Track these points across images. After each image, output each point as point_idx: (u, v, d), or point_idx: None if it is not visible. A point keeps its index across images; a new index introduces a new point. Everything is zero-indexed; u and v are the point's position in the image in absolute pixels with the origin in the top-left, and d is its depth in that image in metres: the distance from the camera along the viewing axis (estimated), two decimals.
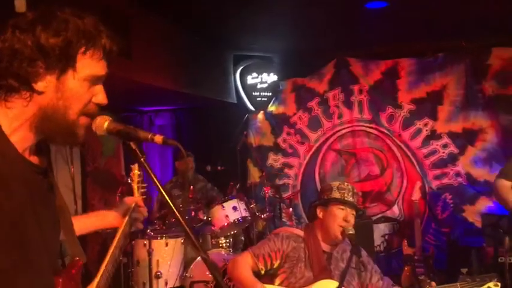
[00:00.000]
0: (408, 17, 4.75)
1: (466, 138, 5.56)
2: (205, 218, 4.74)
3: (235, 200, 4.74)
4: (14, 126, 1.13)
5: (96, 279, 1.82)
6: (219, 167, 5.45)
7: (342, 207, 2.69)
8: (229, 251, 4.78)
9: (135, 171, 2.28)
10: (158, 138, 1.32)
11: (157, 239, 4.42)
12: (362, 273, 2.70)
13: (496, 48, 5.41)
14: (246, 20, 4.88)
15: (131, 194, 2.29)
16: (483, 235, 3.87)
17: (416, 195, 5.35)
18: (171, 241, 4.46)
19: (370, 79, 5.92)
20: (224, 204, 4.70)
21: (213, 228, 4.75)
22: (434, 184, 5.69)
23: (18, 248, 1.09)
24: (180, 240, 4.54)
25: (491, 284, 2.51)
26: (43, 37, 1.07)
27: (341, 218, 2.66)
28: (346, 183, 2.80)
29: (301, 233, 2.77)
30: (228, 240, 4.91)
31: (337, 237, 2.68)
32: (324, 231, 2.72)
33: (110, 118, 1.37)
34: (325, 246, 2.73)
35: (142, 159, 1.35)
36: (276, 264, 2.69)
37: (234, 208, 4.70)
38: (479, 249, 4.81)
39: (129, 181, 2.26)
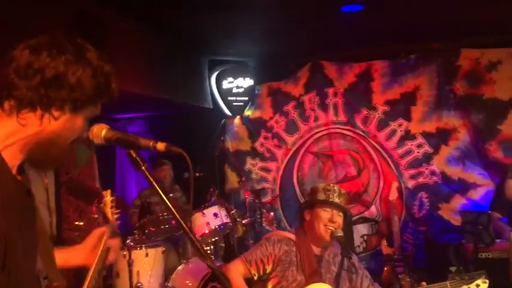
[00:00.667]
0: (382, 19, 4.83)
1: (439, 138, 5.68)
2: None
3: (216, 206, 4.68)
4: (8, 142, 1.10)
5: None
6: (197, 174, 5.39)
7: (327, 208, 2.69)
8: (211, 258, 4.72)
9: (108, 197, 2.23)
10: (160, 146, 1.28)
11: (137, 249, 4.32)
12: (353, 276, 2.71)
13: (465, 50, 5.56)
14: (221, 24, 4.86)
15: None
16: (463, 232, 3.96)
17: (393, 195, 5.44)
18: (152, 251, 4.38)
19: (344, 82, 5.98)
20: (205, 211, 4.63)
21: None
22: (410, 184, 5.78)
23: (5, 276, 1.05)
24: (161, 249, 4.46)
25: (479, 281, 2.55)
26: (86, 74, 1.11)
27: (326, 219, 2.67)
28: (332, 185, 2.81)
29: (292, 236, 2.76)
30: (208, 248, 4.85)
31: (324, 239, 2.68)
32: (311, 234, 2.72)
33: (107, 126, 1.33)
34: (316, 250, 2.73)
35: (143, 167, 1.31)
36: (268, 269, 2.68)
37: (215, 215, 4.64)
38: (456, 246, 4.91)
39: (101, 206, 2.21)
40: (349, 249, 2.62)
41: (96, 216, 4.35)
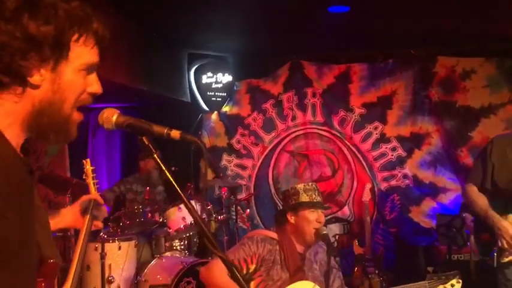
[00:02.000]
0: (364, 22, 4.89)
1: (413, 142, 5.81)
2: (161, 220, 4.60)
3: (193, 201, 4.63)
4: (5, 124, 1.01)
5: (69, 281, 1.73)
6: (173, 168, 5.32)
7: (312, 209, 2.69)
8: (185, 253, 4.67)
9: (88, 166, 2.23)
10: (175, 134, 1.25)
11: (109, 242, 4.22)
12: (334, 273, 2.74)
13: (442, 57, 5.71)
14: (202, 18, 4.79)
15: (82, 194, 2.20)
16: (437, 234, 4.07)
17: (366, 197, 5.52)
18: (124, 244, 4.29)
19: (323, 83, 6.03)
20: (181, 205, 4.57)
21: (168, 230, 4.62)
22: (383, 186, 5.89)
23: (24, 263, 1.00)
24: (134, 243, 4.38)
25: (454, 281, 2.64)
26: (32, 26, 0.96)
27: (314, 221, 2.66)
28: (310, 183, 2.81)
29: (274, 235, 2.74)
30: (182, 243, 4.80)
31: (312, 239, 2.68)
32: (298, 235, 2.70)
33: (118, 111, 1.28)
34: (299, 248, 2.72)
35: (155, 154, 1.26)
36: (251, 269, 2.64)
37: None
38: (426, 248, 5.04)
39: (84, 177, 2.22)
40: (334, 247, 2.64)
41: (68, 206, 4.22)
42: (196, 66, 6.02)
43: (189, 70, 6.01)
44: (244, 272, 2.64)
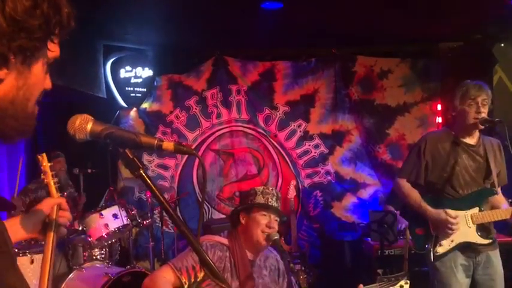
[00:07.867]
0: (294, 20, 4.86)
1: (334, 139, 5.95)
2: (80, 228, 4.20)
3: (116, 206, 4.30)
4: None
5: None
6: (88, 170, 4.91)
7: (264, 212, 2.60)
8: (107, 263, 4.32)
9: (45, 163, 1.88)
10: (168, 145, 1.04)
11: (20, 255, 3.75)
12: (279, 280, 2.66)
13: (361, 57, 5.90)
14: (119, 6, 4.41)
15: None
16: (369, 230, 4.17)
17: (291, 194, 5.55)
18: (38, 257, 3.83)
19: (248, 80, 5.94)
20: (103, 212, 4.23)
21: (88, 239, 4.23)
22: (307, 182, 5.97)
23: None
24: None
25: (402, 282, 2.67)
26: (20, 7, 0.78)
27: (264, 224, 2.58)
28: (270, 188, 2.72)
29: (225, 241, 2.60)
30: (103, 251, 4.44)
31: (260, 244, 2.58)
32: (247, 238, 2.60)
33: (92, 118, 1.05)
34: (249, 255, 2.61)
35: (141, 171, 1.04)
36: (200, 277, 2.47)
37: (115, 216, 4.27)
38: (351, 243, 5.18)
39: (42, 176, 1.87)
40: (286, 252, 2.56)
41: None
42: (113, 59, 5.57)
43: (105, 63, 5.53)
44: (193, 280, 2.47)
